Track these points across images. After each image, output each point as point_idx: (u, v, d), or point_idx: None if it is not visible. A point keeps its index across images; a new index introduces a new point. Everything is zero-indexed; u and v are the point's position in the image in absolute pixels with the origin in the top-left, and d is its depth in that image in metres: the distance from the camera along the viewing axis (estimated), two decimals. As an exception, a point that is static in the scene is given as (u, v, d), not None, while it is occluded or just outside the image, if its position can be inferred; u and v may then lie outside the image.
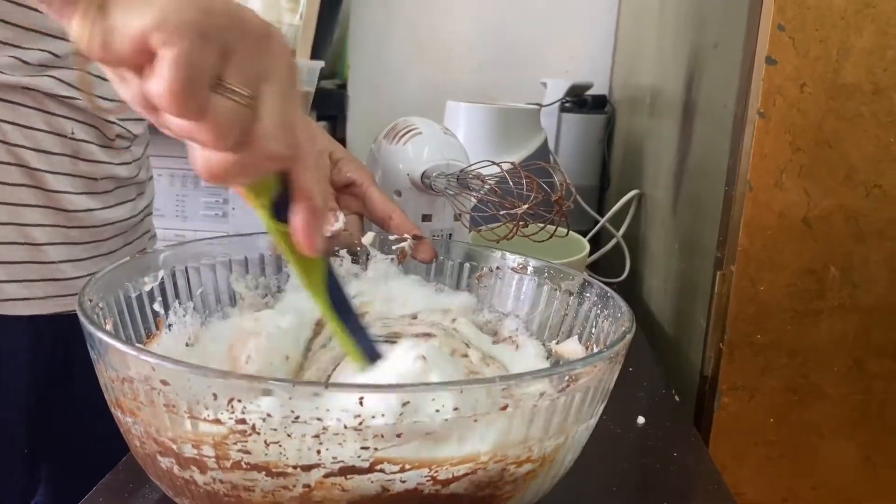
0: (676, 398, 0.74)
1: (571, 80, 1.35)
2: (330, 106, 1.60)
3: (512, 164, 0.61)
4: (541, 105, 1.27)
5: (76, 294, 0.68)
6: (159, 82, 0.35)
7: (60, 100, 0.65)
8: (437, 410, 0.38)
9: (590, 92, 1.38)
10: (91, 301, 0.48)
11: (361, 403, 0.37)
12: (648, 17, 1.24)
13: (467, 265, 0.66)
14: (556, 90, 1.34)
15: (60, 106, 0.65)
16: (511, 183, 0.61)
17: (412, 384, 0.37)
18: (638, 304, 1.07)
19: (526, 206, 0.58)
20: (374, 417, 0.37)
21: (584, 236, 0.90)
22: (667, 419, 0.70)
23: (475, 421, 0.38)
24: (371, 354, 0.46)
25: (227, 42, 0.36)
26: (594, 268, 1.14)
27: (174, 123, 0.37)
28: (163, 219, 1.14)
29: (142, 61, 0.36)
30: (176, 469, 0.41)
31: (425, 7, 1.61)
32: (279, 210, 0.42)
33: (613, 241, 1.11)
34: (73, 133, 0.66)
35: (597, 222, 1.17)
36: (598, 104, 1.38)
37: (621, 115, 1.38)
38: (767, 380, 0.75)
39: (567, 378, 0.41)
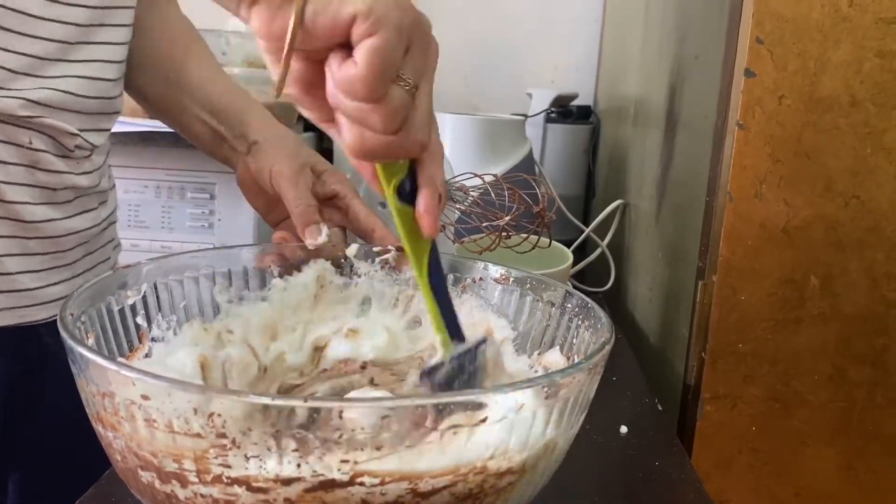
0: (659, 407, 0.75)
1: (557, 90, 1.36)
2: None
3: (494, 176, 0.61)
4: (526, 115, 1.27)
5: (35, 304, 0.69)
6: (356, 68, 0.39)
7: (19, 118, 0.64)
8: (416, 423, 0.38)
9: (575, 102, 1.39)
10: (73, 315, 0.48)
11: (341, 417, 0.37)
12: (632, 28, 1.25)
13: (451, 276, 0.66)
14: (541, 100, 1.35)
15: (18, 119, 0.64)
16: (493, 195, 0.61)
17: (390, 397, 0.38)
18: (623, 313, 1.08)
19: (508, 217, 0.59)
20: (353, 431, 0.37)
21: (570, 246, 0.90)
22: (649, 428, 0.70)
23: (454, 433, 0.39)
24: (457, 335, 0.49)
25: (411, 39, 0.41)
26: (580, 277, 1.14)
27: (348, 105, 0.40)
28: (148, 230, 1.14)
29: (331, 44, 0.40)
30: (157, 483, 0.41)
31: (411, 18, 1.62)
32: (402, 192, 0.46)
33: (598, 251, 1.11)
34: (30, 143, 0.65)
35: (582, 232, 1.18)
36: (584, 114, 1.39)
37: (606, 126, 1.39)
38: (749, 388, 0.76)
39: (546, 389, 0.41)
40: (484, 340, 0.51)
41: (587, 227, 1.16)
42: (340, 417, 0.37)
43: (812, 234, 0.72)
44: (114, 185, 0.80)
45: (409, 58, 0.41)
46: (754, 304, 0.74)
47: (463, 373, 0.49)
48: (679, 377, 0.81)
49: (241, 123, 0.75)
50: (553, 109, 1.35)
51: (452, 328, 0.49)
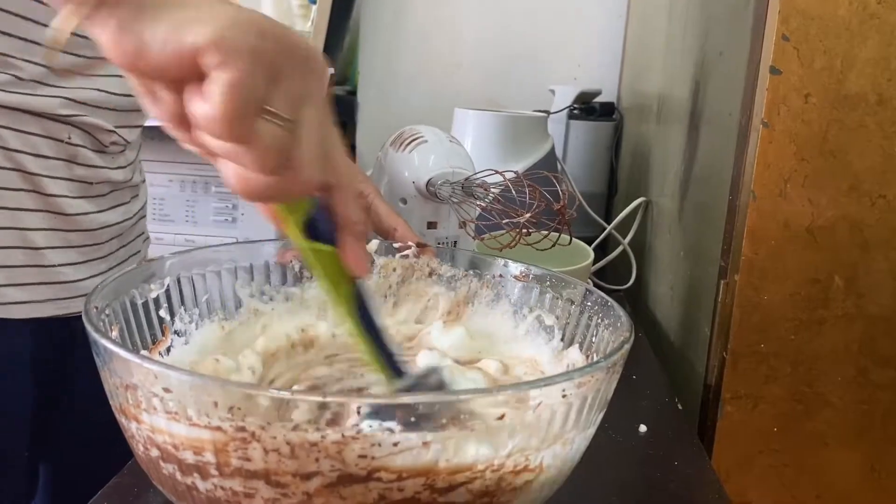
0: (679, 406, 0.75)
1: (580, 87, 1.35)
2: (339, 112, 1.61)
3: (515, 173, 0.61)
4: (549, 112, 1.27)
5: (76, 297, 0.71)
6: (209, 106, 0.34)
7: (59, 116, 0.65)
8: (433, 422, 0.38)
9: (598, 99, 1.38)
10: (97, 308, 0.49)
11: (359, 413, 0.37)
12: (656, 24, 1.24)
13: (471, 272, 0.67)
14: (564, 97, 1.34)
15: (58, 117, 0.65)
16: (514, 192, 0.61)
17: (409, 394, 0.38)
18: (644, 312, 1.08)
19: (528, 214, 0.59)
20: (371, 427, 0.37)
21: (591, 243, 0.90)
22: (669, 428, 0.70)
23: (472, 430, 0.39)
24: (396, 370, 0.47)
25: (276, 67, 0.36)
26: (601, 275, 1.14)
27: (214, 144, 0.37)
28: (172, 224, 1.15)
29: (180, 76, 0.35)
30: (178, 475, 0.42)
31: (435, 14, 1.62)
32: (311, 228, 0.43)
33: (620, 249, 1.11)
34: (69, 138, 0.66)
35: (604, 229, 1.17)
36: (607, 111, 1.38)
37: (629, 123, 1.38)
38: (771, 388, 0.75)
39: (564, 387, 0.41)
40: (429, 372, 0.49)
41: (609, 224, 1.16)
42: (359, 413, 0.37)
43: (837, 233, 0.72)
44: (144, 180, 0.82)
45: (278, 89, 0.36)
46: (777, 304, 0.74)
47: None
48: (700, 377, 0.81)
49: None
50: (576, 106, 1.34)
51: (392, 366, 0.47)
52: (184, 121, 0.37)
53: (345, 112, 1.63)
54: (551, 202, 0.59)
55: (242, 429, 0.38)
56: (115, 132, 0.70)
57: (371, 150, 1.56)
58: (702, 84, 0.92)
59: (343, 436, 0.37)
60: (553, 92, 1.38)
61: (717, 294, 0.77)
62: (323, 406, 0.37)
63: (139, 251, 0.81)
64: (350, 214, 0.44)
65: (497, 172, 0.62)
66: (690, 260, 0.91)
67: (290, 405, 0.37)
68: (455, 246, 0.79)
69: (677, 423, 0.72)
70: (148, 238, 0.85)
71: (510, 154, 1.07)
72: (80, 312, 0.70)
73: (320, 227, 0.43)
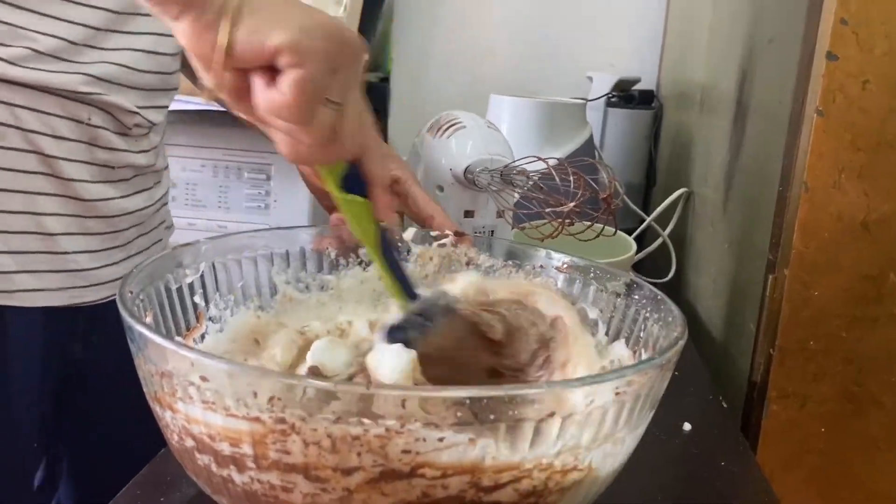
0: (724, 404, 0.72)
1: (618, 74, 1.32)
2: (372, 99, 1.57)
3: (558, 160, 0.59)
4: (586, 100, 1.24)
5: (91, 286, 0.69)
6: (282, 96, 0.41)
7: (79, 94, 0.64)
8: (480, 419, 0.36)
9: (637, 87, 1.35)
10: (132, 293, 0.47)
11: (404, 406, 0.36)
12: (700, 11, 1.20)
13: (510, 263, 0.65)
14: (602, 84, 1.31)
15: (79, 95, 0.64)
16: (557, 180, 0.59)
17: (458, 387, 0.36)
18: (684, 306, 1.04)
19: (572, 204, 0.57)
20: (416, 420, 0.36)
21: (630, 234, 0.88)
22: (714, 426, 0.68)
23: (521, 427, 0.37)
24: (412, 295, 0.54)
25: (336, 63, 0.43)
26: (638, 267, 1.11)
27: (276, 123, 0.43)
28: (204, 209, 1.14)
29: (251, 67, 0.42)
30: (214, 467, 0.40)
31: (469, 0, 1.60)
32: (345, 183, 0.51)
33: (659, 241, 1.08)
34: (89, 119, 0.65)
35: (642, 220, 1.15)
36: (646, 99, 1.35)
37: (669, 111, 1.34)
38: (820, 387, 0.72)
39: (617, 386, 0.39)
40: (438, 295, 0.56)
41: (647, 215, 1.13)
42: (403, 406, 0.36)
43: (892, 227, 0.68)
44: (167, 166, 0.80)
45: (335, 79, 0.43)
46: (828, 300, 0.71)
47: (425, 323, 0.53)
48: (744, 373, 0.78)
49: None
50: (614, 94, 1.31)
51: (407, 290, 0.55)
52: (241, 95, 0.43)
53: (377, 99, 1.61)
54: (597, 191, 0.57)
55: (282, 420, 0.37)
56: (138, 113, 0.68)
57: (403, 137, 1.53)
58: (749, 72, 0.89)
59: (387, 430, 0.36)
60: (591, 79, 1.35)
61: (765, 288, 0.74)
62: (366, 398, 0.35)
63: (160, 240, 0.79)
64: (379, 171, 0.53)
65: (539, 159, 0.60)
66: (735, 253, 0.88)
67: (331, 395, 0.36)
68: (493, 235, 0.77)
69: (721, 420, 0.69)
70: (171, 226, 0.83)
71: (547, 142, 1.05)
72: (95, 302, 0.69)
73: (352, 182, 0.52)
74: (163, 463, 0.53)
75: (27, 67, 0.59)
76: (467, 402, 0.36)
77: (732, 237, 0.90)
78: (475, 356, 0.55)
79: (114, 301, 0.69)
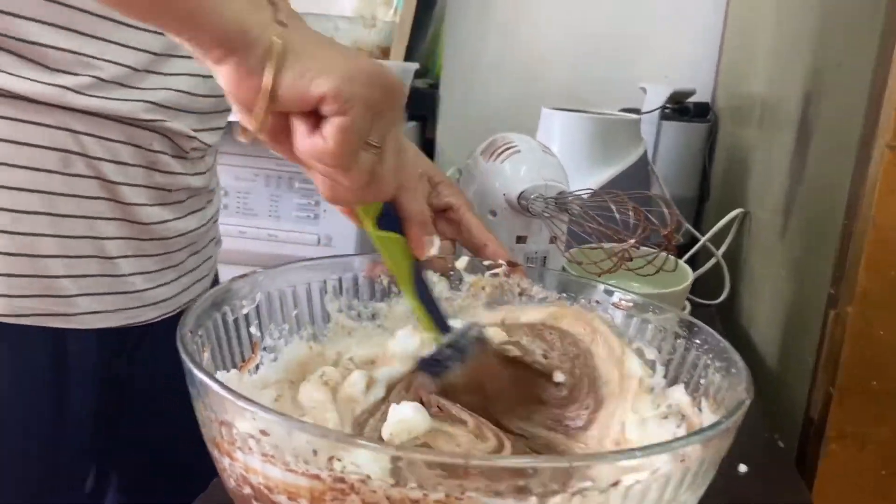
0: (780, 444, 0.70)
1: (673, 86, 1.29)
2: (420, 106, 1.57)
3: (617, 193, 0.58)
4: (639, 111, 1.22)
5: (144, 306, 0.70)
6: (324, 144, 0.42)
7: (141, 121, 0.64)
8: (544, 487, 0.36)
9: (692, 99, 1.32)
10: (191, 333, 0.47)
11: (465, 475, 0.35)
12: (761, 24, 1.17)
13: (563, 295, 0.64)
14: (656, 96, 1.29)
15: (141, 122, 0.64)
16: (616, 213, 0.58)
17: (520, 457, 0.35)
18: (737, 330, 1.02)
19: (633, 241, 0.55)
20: (477, 489, 0.35)
21: (682, 252, 0.86)
22: (770, 467, 0.66)
23: (583, 497, 0.36)
24: (444, 328, 0.55)
25: (378, 108, 0.44)
26: (690, 288, 1.09)
27: (318, 167, 0.44)
28: (256, 218, 1.15)
29: (294, 112, 0.43)
30: (271, 517, 0.40)
31: (522, 5, 1.58)
32: (381, 221, 0.53)
33: (713, 261, 1.06)
34: (151, 145, 0.65)
35: (693, 237, 1.12)
36: (701, 112, 1.32)
37: (725, 125, 1.31)
38: (881, 429, 0.70)
39: (682, 453, 0.38)
40: (469, 326, 0.56)
41: (699, 229, 1.11)
42: (465, 476, 0.35)
43: (964, 267, 0.66)
44: (218, 183, 0.81)
45: (377, 124, 0.44)
46: (893, 340, 0.68)
47: (457, 356, 0.54)
48: (800, 408, 0.76)
49: None
50: (668, 106, 1.29)
51: (440, 324, 0.55)
52: (281, 137, 0.44)
53: (425, 105, 1.60)
54: (658, 227, 0.56)
55: (341, 479, 0.36)
56: (195, 137, 0.69)
57: (451, 144, 1.53)
58: (815, 94, 0.86)
59: (446, 496, 0.35)
60: (644, 90, 1.33)
61: (825, 324, 0.72)
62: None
63: (210, 256, 0.80)
64: (414, 208, 0.54)
65: (597, 192, 0.59)
66: (794, 281, 0.86)
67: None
68: (545, 262, 0.76)
69: (778, 461, 0.67)
70: (220, 241, 0.84)
71: (600, 158, 1.03)
72: (147, 322, 0.70)
73: (388, 219, 0.53)
74: (217, 493, 0.53)
75: (92, 96, 0.60)
76: (531, 472, 0.35)
77: (791, 264, 0.87)
78: (508, 386, 0.55)
79: (164, 320, 0.70)
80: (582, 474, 0.36)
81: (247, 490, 0.41)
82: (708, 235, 1.04)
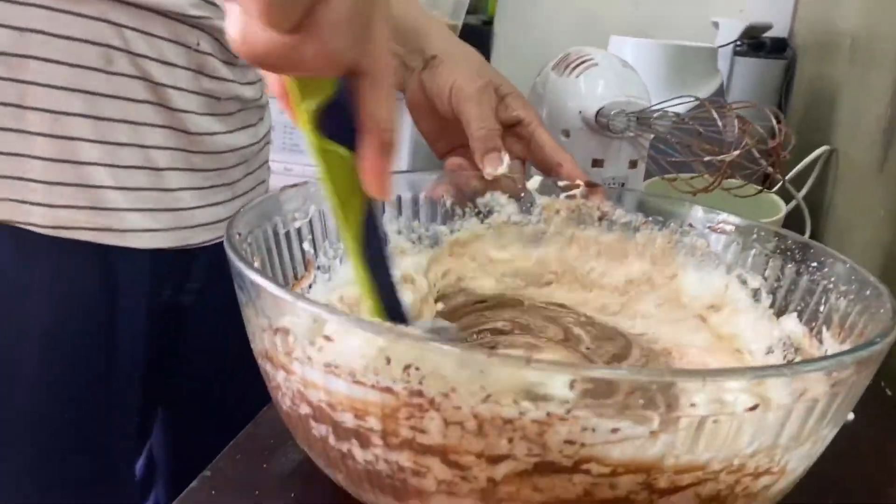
0: (888, 391, 0.63)
1: (747, 20, 1.20)
2: (473, 44, 1.48)
3: (721, 102, 0.50)
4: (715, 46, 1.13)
5: (194, 226, 0.63)
6: None
7: (188, 17, 0.58)
8: (670, 405, 0.29)
9: (768, 34, 1.22)
10: (240, 235, 0.42)
11: (572, 388, 0.29)
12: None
13: (648, 220, 0.57)
14: (729, 31, 1.19)
15: (187, 18, 0.59)
16: (720, 123, 0.51)
17: (640, 368, 0.29)
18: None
19: (737, 152, 0.48)
20: (587, 406, 0.29)
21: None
22: (879, 415, 0.59)
23: (715, 422, 0.30)
24: (398, 317, 0.38)
25: None
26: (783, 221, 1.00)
27: None
28: (301, 154, 1.10)
29: None
30: (332, 439, 0.35)
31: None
32: (326, 120, 0.33)
33: (793, 203, 0.97)
34: (198, 45, 0.60)
35: (771, 179, 1.04)
36: (778, 48, 1.22)
37: (805, 62, 1.22)
38: None
39: (835, 374, 0.31)
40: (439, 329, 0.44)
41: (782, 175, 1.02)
42: (572, 388, 0.29)
43: None
44: (268, 101, 0.75)
45: None
46: None
47: None
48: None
49: (419, 37, 0.66)
50: (742, 41, 1.19)
51: (393, 312, 0.38)
52: None
53: (478, 44, 1.51)
54: (765, 138, 0.48)
55: (419, 393, 0.30)
56: None
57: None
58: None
59: (548, 414, 0.29)
60: (716, 25, 1.23)
61: (939, 262, 0.64)
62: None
63: (264, 180, 0.74)
64: (378, 113, 0.33)
65: (698, 100, 0.51)
66: (894, 221, 0.77)
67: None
68: (623, 188, 0.69)
69: (887, 409, 0.60)
70: (271, 169, 0.78)
71: (674, 90, 0.95)
72: (199, 245, 0.65)
73: (340, 121, 0.33)
74: (266, 424, 0.48)
75: None
76: (654, 387, 0.29)
77: (891, 202, 0.79)
78: None
79: (217, 245, 0.65)
80: (716, 394, 0.29)
81: (304, 409, 0.35)
82: (791, 174, 0.96)
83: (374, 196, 0.35)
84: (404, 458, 0.32)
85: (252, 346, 0.39)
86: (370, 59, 0.32)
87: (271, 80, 0.33)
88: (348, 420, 0.33)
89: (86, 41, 0.54)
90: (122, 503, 0.66)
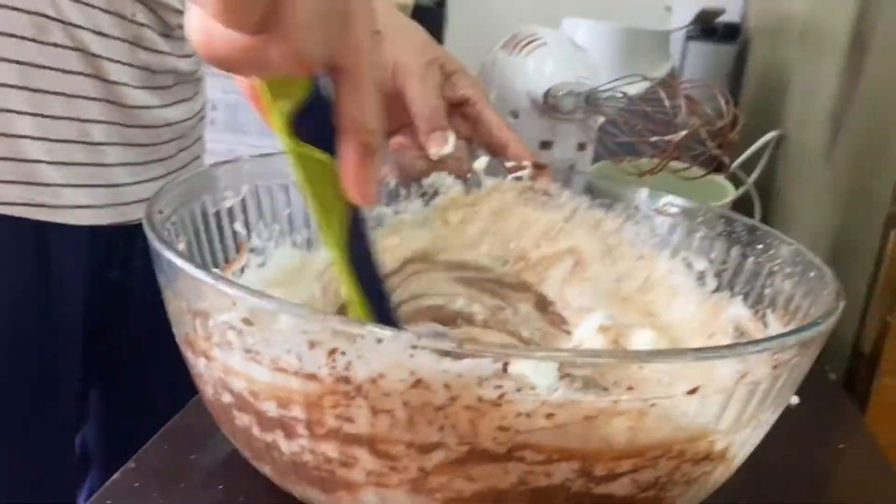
0: (832, 376, 0.63)
1: (700, 4, 1.19)
2: (424, 26, 1.46)
3: (669, 81, 0.49)
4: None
5: (132, 202, 0.62)
6: None
7: None
8: (606, 388, 0.28)
9: (720, 19, 1.22)
10: (161, 213, 0.39)
11: (505, 370, 0.27)
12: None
13: (596, 203, 0.56)
14: (682, 15, 1.19)
15: None
16: (667, 103, 0.50)
17: (573, 350, 0.28)
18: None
19: (684, 133, 0.47)
20: (519, 390, 0.27)
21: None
22: (822, 399, 0.59)
23: (652, 406, 0.28)
24: (387, 322, 0.36)
25: None
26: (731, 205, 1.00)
27: None
28: (245, 135, 1.07)
29: None
30: (256, 430, 0.33)
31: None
32: (303, 123, 0.31)
33: (743, 189, 0.97)
34: (133, 16, 0.58)
35: (718, 165, 1.04)
36: (730, 33, 1.22)
37: (758, 47, 1.22)
38: (942, 362, 0.63)
39: (777, 355, 0.30)
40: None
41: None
42: (505, 371, 0.27)
43: None
44: (204, 75, 0.72)
45: None
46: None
47: None
48: (848, 342, 0.69)
49: None
50: (695, 26, 1.19)
51: (383, 317, 0.36)
52: None
53: (430, 26, 1.49)
54: (713, 119, 0.47)
55: (345, 380, 0.29)
56: (182, 12, 0.60)
57: (458, 68, 1.42)
58: (868, 10, 0.77)
59: (480, 399, 0.28)
60: (669, 9, 1.23)
61: (883, 247, 0.64)
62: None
63: (199, 156, 0.72)
64: (360, 114, 0.30)
65: (647, 79, 0.50)
66: (841, 206, 0.78)
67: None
68: (572, 170, 0.68)
69: (830, 393, 0.61)
70: (205, 147, 0.76)
71: (625, 73, 0.94)
72: (136, 221, 0.62)
73: (317, 124, 0.31)
74: (196, 414, 0.45)
75: None
76: (586, 364, 0.27)
77: (837, 187, 0.79)
78: None
79: None
80: (650, 376, 0.28)
81: (227, 398, 0.33)
82: (740, 160, 0.96)
83: (356, 203, 0.33)
84: (331, 449, 0.31)
85: (174, 331, 0.37)
86: (348, 54, 0.29)
87: (239, 80, 0.31)
88: (272, 409, 0.31)
89: (16, 8, 0.52)
90: (59, 484, 0.64)
